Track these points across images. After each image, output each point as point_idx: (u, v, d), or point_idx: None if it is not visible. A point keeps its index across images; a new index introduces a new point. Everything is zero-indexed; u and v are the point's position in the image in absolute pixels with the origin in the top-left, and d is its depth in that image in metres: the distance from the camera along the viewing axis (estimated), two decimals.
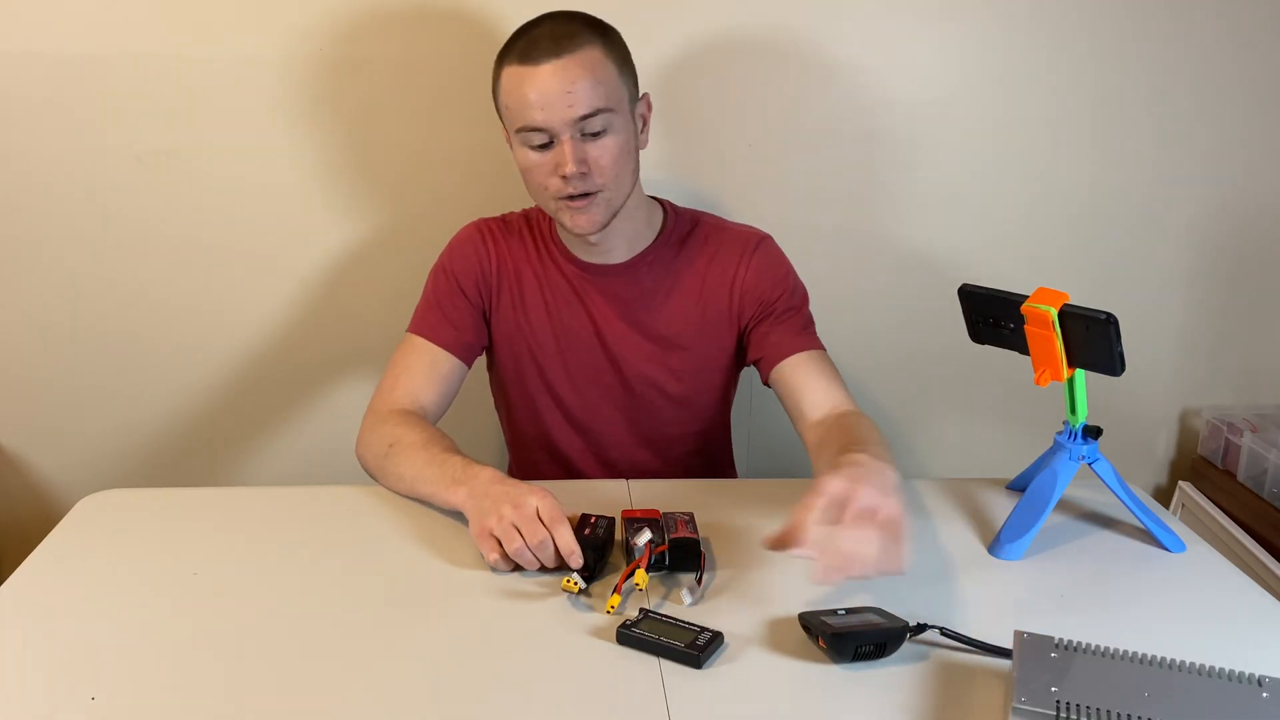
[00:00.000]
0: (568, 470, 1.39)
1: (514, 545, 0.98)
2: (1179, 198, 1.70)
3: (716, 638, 0.88)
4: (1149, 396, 1.81)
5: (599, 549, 1.00)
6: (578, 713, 0.81)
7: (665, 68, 1.56)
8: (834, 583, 0.89)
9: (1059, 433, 1.10)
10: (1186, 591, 1.03)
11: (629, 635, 0.89)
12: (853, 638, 0.87)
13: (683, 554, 1.01)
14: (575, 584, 0.96)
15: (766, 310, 1.29)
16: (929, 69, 1.61)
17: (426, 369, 1.26)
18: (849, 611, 0.91)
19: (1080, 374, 1.05)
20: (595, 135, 1.16)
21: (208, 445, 1.72)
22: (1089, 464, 1.10)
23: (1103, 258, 1.72)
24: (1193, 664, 0.81)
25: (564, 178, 1.16)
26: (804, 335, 1.28)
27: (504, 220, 1.35)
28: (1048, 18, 1.59)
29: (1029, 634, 0.85)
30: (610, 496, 1.18)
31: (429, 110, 1.56)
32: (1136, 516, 1.12)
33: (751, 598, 0.98)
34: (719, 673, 0.86)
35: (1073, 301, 1.00)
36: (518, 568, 1.01)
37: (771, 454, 1.76)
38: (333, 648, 0.89)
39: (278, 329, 1.66)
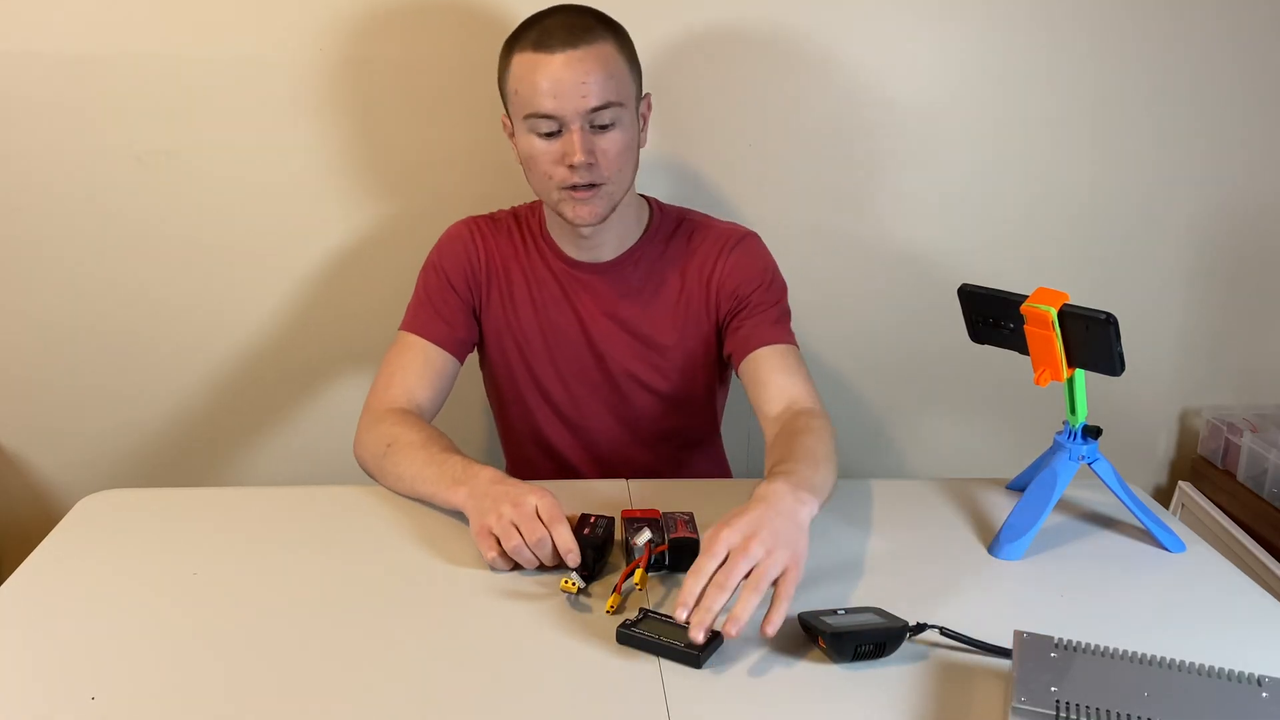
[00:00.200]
0: (560, 465, 1.39)
1: (512, 543, 0.98)
2: (1179, 198, 1.70)
3: (716, 637, 0.88)
4: (1149, 396, 1.81)
5: (598, 548, 1.00)
6: (577, 713, 0.81)
7: (666, 67, 1.56)
8: (701, 639, 0.86)
9: (1059, 433, 1.10)
10: (1186, 591, 1.03)
11: (629, 635, 0.89)
12: (852, 637, 0.87)
13: (683, 554, 1.01)
14: (574, 584, 0.95)
15: (741, 304, 1.29)
16: (929, 69, 1.61)
17: (421, 366, 1.26)
18: (849, 611, 0.91)
19: (1080, 374, 1.05)
20: (604, 128, 1.17)
21: (208, 445, 1.72)
22: (1089, 464, 1.10)
23: (1103, 258, 1.72)
24: (1193, 664, 0.81)
25: (571, 167, 1.16)
26: (774, 329, 1.27)
27: (493, 218, 1.36)
28: (1048, 18, 1.59)
29: (1029, 634, 0.85)
30: (610, 496, 1.18)
31: (429, 110, 1.56)
32: (1136, 516, 1.12)
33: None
34: (719, 673, 0.86)
35: (1073, 301, 1.00)
36: (517, 567, 1.01)
37: None
38: (332, 647, 0.89)
39: (278, 329, 1.66)
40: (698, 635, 0.85)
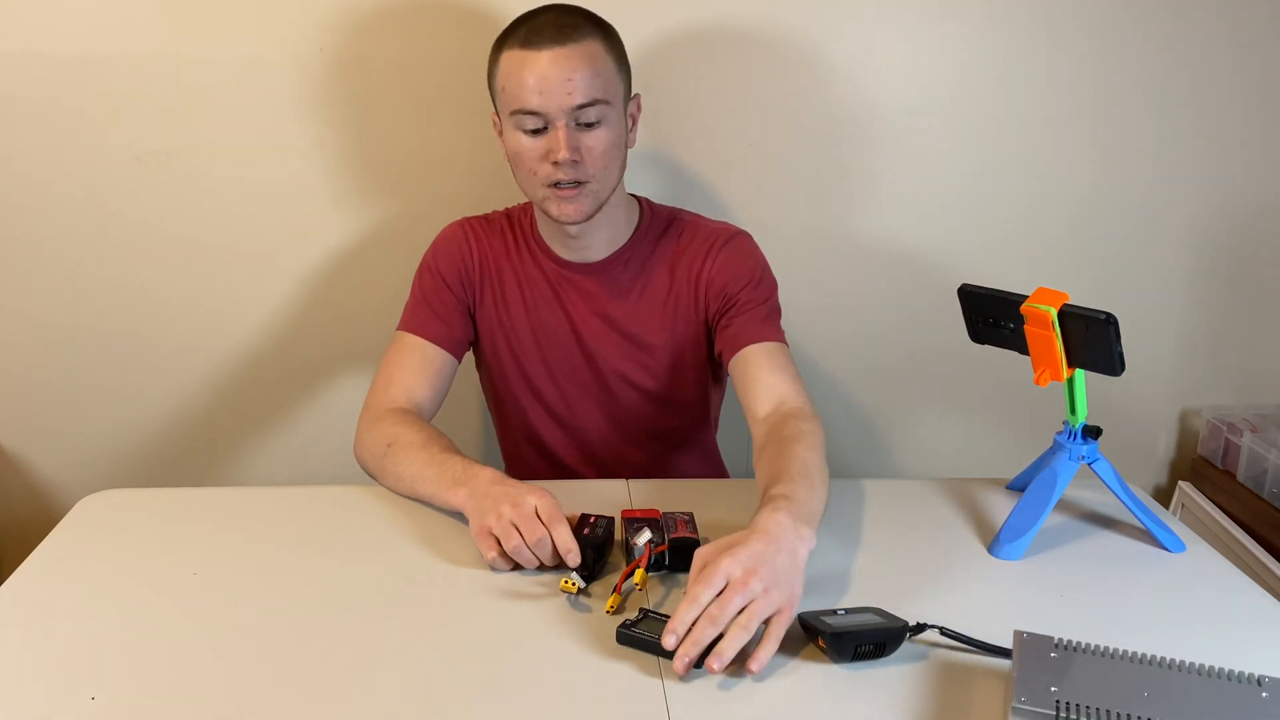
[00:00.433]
0: (553, 464, 1.40)
1: (512, 543, 0.98)
2: (1179, 198, 1.70)
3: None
4: (1149, 396, 1.81)
5: (598, 549, 1.01)
6: (578, 713, 0.81)
7: (666, 67, 1.56)
8: (685, 673, 0.85)
9: (1059, 433, 1.10)
10: (1186, 591, 1.03)
11: (629, 635, 0.89)
12: (852, 637, 0.87)
13: (683, 554, 1.01)
14: (574, 584, 0.96)
15: (730, 302, 1.28)
16: (929, 69, 1.61)
17: (419, 365, 1.27)
18: (849, 611, 0.91)
19: (1080, 374, 1.05)
20: (589, 126, 1.17)
21: (208, 445, 1.72)
22: (1089, 464, 1.10)
23: (1103, 258, 1.72)
24: (1193, 664, 0.81)
25: (556, 164, 1.17)
26: (763, 326, 1.26)
27: (486, 219, 1.36)
28: (1048, 18, 1.59)
29: (1029, 634, 0.85)
30: (610, 496, 1.18)
31: (430, 109, 1.56)
32: (1136, 516, 1.12)
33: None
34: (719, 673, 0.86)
35: (1073, 301, 1.00)
36: (517, 567, 1.01)
37: None
38: (332, 647, 0.89)
39: (278, 328, 1.66)
40: (680, 668, 0.84)
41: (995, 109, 1.63)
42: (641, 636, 0.88)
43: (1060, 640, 0.84)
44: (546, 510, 1.00)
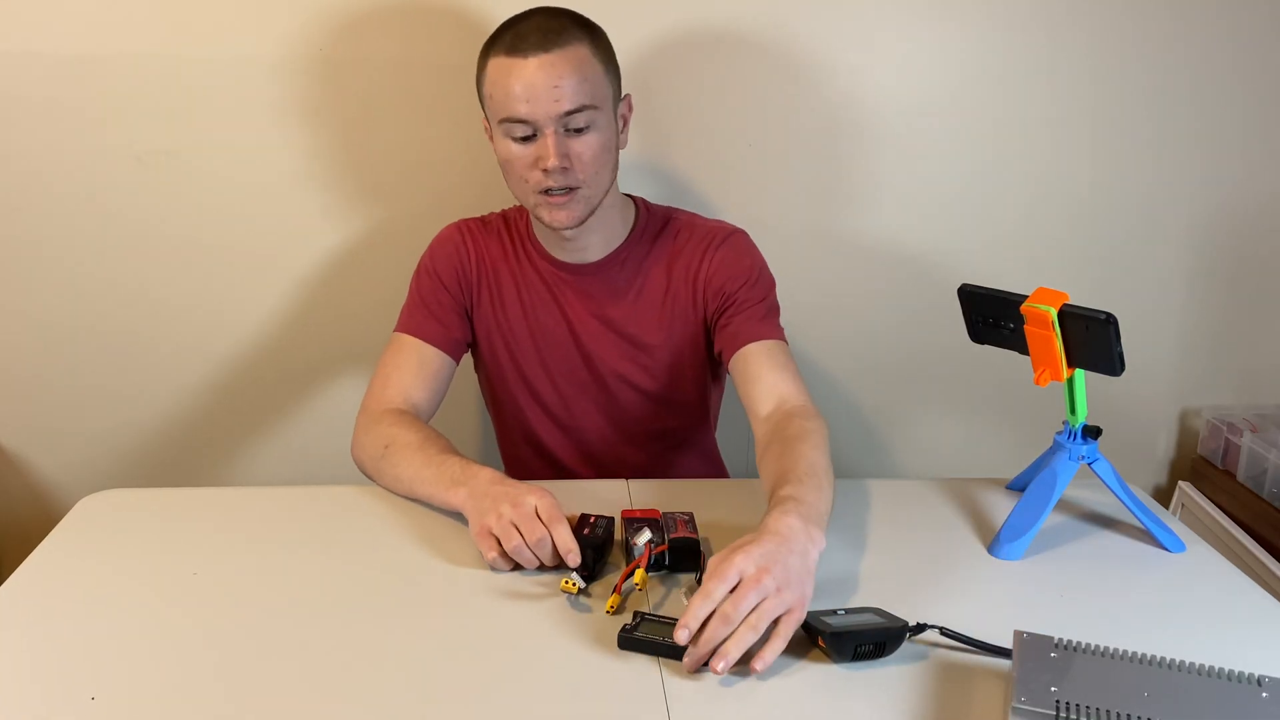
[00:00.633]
0: (552, 465, 1.40)
1: (512, 543, 0.98)
2: (1179, 198, 1.70)
3: None
4: (1149, 396, 1.81)
5: (598, 549, 1.01)
6: (578, 713, 0.81)
7: (666, 67, 1.56)
8: (694, 671, 0.85)
9: (1059, 433, 1.10)
10: (1186, 591, 1.03)
11: (630, 640, 0.88)
12: (852, 637, 0.87)
13: (683, 554, 1.01)
14: (574, 584, 0.95)
15: (728, 302, 1.28)
16: (929, 69, 1.61)
17: (416, 367, 1.27)
18: (849, 611, 0.91)
19: (1080, 374, 1.05)
20: (578, 131, 1.17)
21: (208, 445, 1.72)
22: (1089, 464, 1.10)
23: (1103, 258, 1.72)
24: (1193, 664, 0.81)
25: (545, 171, 1.16)
26: (762, 324, 1.26)
27: (483, 221, 1.36)
28: (1048, 18, 1.59)
29: (1029, 634, 0.85)
30: (610, 496, 1.18)
31: (429, 109, 1.56)
32: (1136, 516, 1.12)
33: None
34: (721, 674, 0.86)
35: (1072, 301, 1.00)
36: (517, 567, 1.01)
37: None
38: (332, 647, 0.89)
39: (278, 328, 1.66)
40: (690, 666, 0.84)
41: (995, 109, 1.63)
42: (645, 639, 0.88)
43: (1060, 640, 0.84)
44: (546, 510, 1.00)
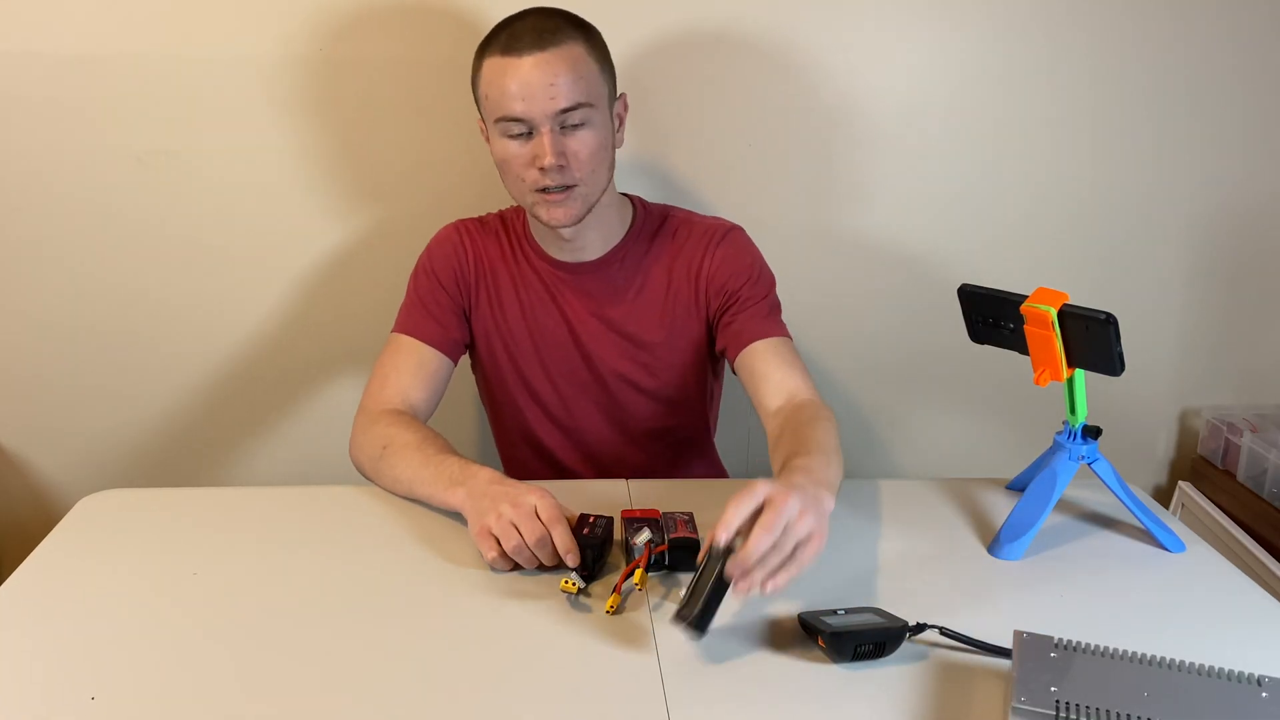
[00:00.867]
0: (552, 465, 1.40)
1: (512, 543, 0.98)
2: (1179, 198, 1.70)
3: (711, 610, 0.87)
4: (1149, 396, 1.81)
5: (598, 548, 1.00)
6: (577, 713, 0.81)
7: (665, 67, 1.56)
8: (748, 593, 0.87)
9: (1059, 433, 1.10)
10: (1186, 591, 1.03)
11: (701, 617, 0.87)
12: (852, 637, 0.87)
13: (682, 554, 1.01)
14: (574, 584, 0.96)
15: (731, 299, 1.28)
16: (929, 69, 1.61)
17: (414, 367, 1.27)
18: (848, 611, 0.91)
19: (1080, 374, 1.05)
20: (574, 129, 1.17)
21: (208, 445, 1.72)
22: (1089, 464, 1.10)
23: (1103, 258, 1.73)
24: (1193, 664, 0.81)
25: (542, 169, 1.17)
26: (766, 322, 1.26)
27: (481, 221, 1.36)
28: (1048, 18, 1.59)
29: (1029, 634, 0.85)
30: (610, 496, 1.18)
31: (429, 109, 1.56)
32: (1136, 516, 1.12)
33: (751, 597, 0.97)
34: (719, 672, 0.86)
35: (1072, 301, 1.00)
36: (517, 567, 1.01)
37: None
38: (332, 647, 0.89)
39: (278, 328, 1.66)
40: (744, 589, 0.85)
41: (995, 109, 1.63)
42: (706, 606, 0.87)
43: (1060, 640, 0.84)
44: (546, 510, 1.00)
